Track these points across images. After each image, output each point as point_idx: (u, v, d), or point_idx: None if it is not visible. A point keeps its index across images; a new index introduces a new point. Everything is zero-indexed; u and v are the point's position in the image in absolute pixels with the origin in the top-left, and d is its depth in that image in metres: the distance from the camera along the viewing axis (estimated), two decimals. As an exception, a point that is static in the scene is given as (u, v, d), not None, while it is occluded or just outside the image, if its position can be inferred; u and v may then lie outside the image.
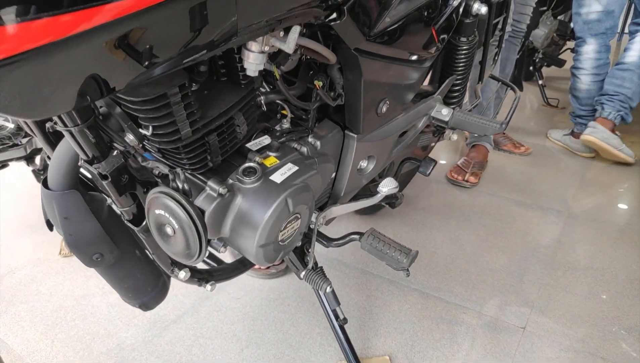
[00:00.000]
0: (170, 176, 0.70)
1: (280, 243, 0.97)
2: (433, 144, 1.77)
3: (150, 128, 0.75)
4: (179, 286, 1.61)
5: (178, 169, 0.72)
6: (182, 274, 0.91)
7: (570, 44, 3.92)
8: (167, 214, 0.71)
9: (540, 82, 3.44)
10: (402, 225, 1.98)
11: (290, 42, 0.69)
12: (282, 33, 0.72)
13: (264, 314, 1.52)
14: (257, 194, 0.90)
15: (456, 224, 1.99)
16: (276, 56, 0.88)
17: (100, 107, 0.76)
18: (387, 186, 1.28)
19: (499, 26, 1.73)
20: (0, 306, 1.53)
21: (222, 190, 0.86)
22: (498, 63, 2.04)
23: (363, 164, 1.23)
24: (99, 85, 0.49)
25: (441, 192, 2.25)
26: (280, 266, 1.68)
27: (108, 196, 0.76)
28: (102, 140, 0.69)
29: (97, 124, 0.68)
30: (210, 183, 0.87)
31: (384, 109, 1.14)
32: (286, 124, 1.04)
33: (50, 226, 0.83)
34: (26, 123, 0.77)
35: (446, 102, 1.45)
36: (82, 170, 0.88)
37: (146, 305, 1.02)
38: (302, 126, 1.07)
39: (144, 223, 0.78)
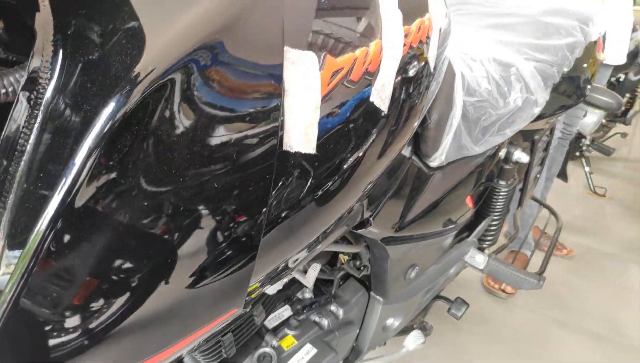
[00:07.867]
0: None
1: None
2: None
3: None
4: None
5: None
6: None
7: (619, 128, 3.74)
8: None
9: (586, 169, 3.25)
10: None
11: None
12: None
13: None
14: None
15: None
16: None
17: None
18: (413, 342, 1.22)
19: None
20: None
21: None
22: (541, 181, 1.96)
23: (389, 322, 1.17)
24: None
25: (474, 299, 2.14)
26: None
27: None
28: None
29: None
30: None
31: (413, 274, 1.09)
32: (308, 294, 1.00)
33: None
34: None
35: (480, 240, 1.38)
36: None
37: None
38: (325, 295, 1.03)
39: None
